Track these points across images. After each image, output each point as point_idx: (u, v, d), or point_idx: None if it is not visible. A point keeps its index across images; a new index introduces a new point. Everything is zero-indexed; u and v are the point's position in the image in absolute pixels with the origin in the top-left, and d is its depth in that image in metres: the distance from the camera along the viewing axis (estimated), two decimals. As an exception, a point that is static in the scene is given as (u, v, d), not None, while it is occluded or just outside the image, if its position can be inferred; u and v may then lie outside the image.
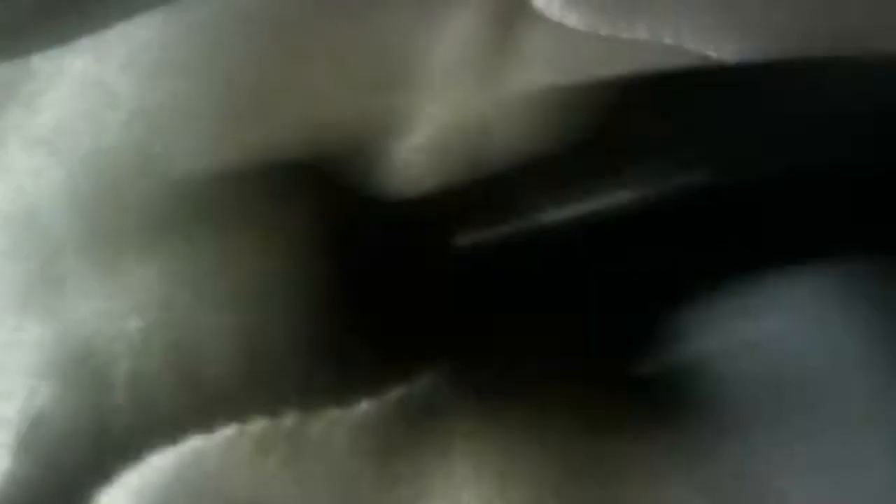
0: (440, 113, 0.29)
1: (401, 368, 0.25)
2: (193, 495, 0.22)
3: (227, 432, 0.23)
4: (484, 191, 0.27)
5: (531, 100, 0.28)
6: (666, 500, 0.22)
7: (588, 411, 0.24)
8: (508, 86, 0.29)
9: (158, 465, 0.23)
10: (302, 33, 0.31)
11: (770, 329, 0.24)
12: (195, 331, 0.25)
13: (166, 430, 0.23)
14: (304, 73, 0.30)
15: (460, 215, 0.27)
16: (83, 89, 0.30)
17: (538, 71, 0.29)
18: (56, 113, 0.30)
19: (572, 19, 0.29)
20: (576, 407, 0.24)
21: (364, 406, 0.24)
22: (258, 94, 0.30)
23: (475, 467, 0.23)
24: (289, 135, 0.29)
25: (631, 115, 0.28)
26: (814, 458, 0.22)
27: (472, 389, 0.24)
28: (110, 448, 0.23)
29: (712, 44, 0.29)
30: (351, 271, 0.27)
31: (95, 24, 0.31)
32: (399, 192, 0.27)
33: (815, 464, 0.22)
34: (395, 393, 0.25)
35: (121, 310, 0.25)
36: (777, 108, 0.28)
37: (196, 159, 0.29)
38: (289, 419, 0.24)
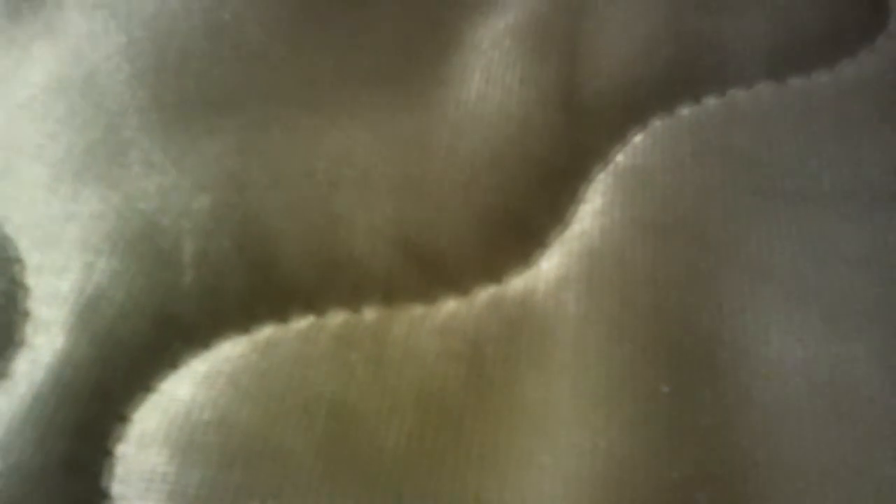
0: None
1: (488, 267, 0.22)
2: (266, 388, 0.19)
3: (303, 323, 0.21)
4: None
5: None
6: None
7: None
8: None
9: (228, 353, 0.20)
10: None
11: None
12: (268, 213, 0.22)
13: (237, 316, 0.21)
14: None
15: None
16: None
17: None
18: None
19: None
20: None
21: (451, 305, 0.21)
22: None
23: (572, 383, 0.20)
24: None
25: None
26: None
27: (572, 290, 0.21)
28: (175, 332, 0.20)
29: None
30: (436, 162, 0.24)
31: None
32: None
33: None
34: (484, 293, 0.22)
35: (188, 186, 0.22)
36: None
37: (268, 27, 0.26)
38: (370, 313, 0.21)
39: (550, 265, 0.22)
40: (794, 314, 0.21)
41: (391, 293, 0.21)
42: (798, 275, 0.22)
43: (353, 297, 0.21)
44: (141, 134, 0.23)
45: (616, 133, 0.24)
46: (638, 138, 0.24)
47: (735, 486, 0.19)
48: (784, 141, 0.24)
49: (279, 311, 0.21)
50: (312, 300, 0.21)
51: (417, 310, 0.21)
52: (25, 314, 0.20)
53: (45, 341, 0.20)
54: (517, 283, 0.22)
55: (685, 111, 0.25)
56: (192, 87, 0.24)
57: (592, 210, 0.23)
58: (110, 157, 0.23)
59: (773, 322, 0.21)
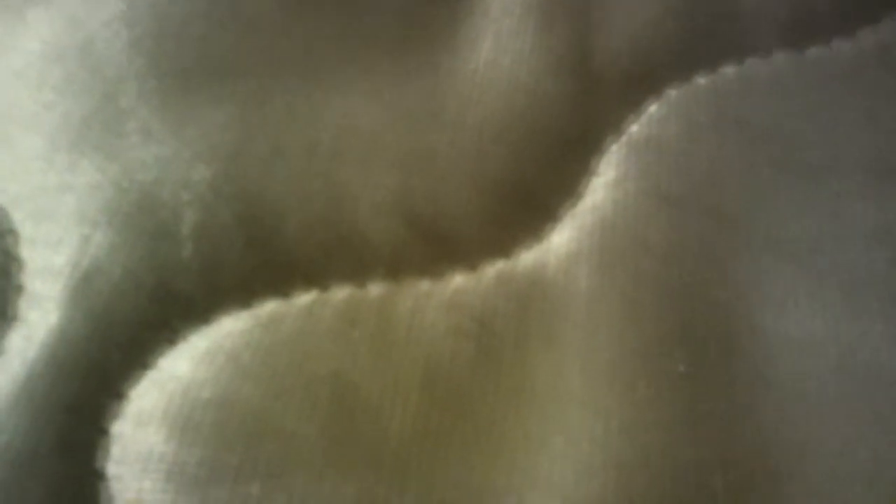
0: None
1: (497, 241, 0.21)
2: (267, 365, 0.19)
3: (306, 299, 0.20)
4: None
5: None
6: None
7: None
8: None
9: (229, 329, 0.19)
10: None
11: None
12: (269, 185, 0.21)
13: (237, 291, 0.20)
14: None
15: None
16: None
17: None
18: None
19: None
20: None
21: (458, 280, 0.20)
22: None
23: (584, 363, 0.19)
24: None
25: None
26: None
27: (584, 265, 0.20)
28: (174, 307, 0.20)
29: None
30: (442, 133, 0.23)
31: None
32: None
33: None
34: (492, 268, 0.21)
35: (187, 156, 0.22)
36: None
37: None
38: (375, 289, 0.20)
39: (561, 239, 0.21)
40: (813, 291, 0.20)
41: (396, 268, 0.20)
42: (817, 250, 0.21)
43: (357, 272, 0.20)
44: (139, 103, 0.22)
45: (630, 103, 0.23)
46: (653, 108, 0.23)
47: (752, 468, 0.18)
48: (803, 112, 0.24)
49: (281, 285, 0.20)
50: (315, 275, 0.20)
51: (423, 285, 0.20)
52: (19, 288, 0.20)
53: (39, 316, 0.19)
54: (527, 258, 0.21)
55: (702, 80, 0.24)
56: (191, 55, 0.23)
57: (605, 182, 0.22)
58: (108, 126, 0.22)
59: (791, 299, 0.20)
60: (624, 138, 0.23)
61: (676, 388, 0.19)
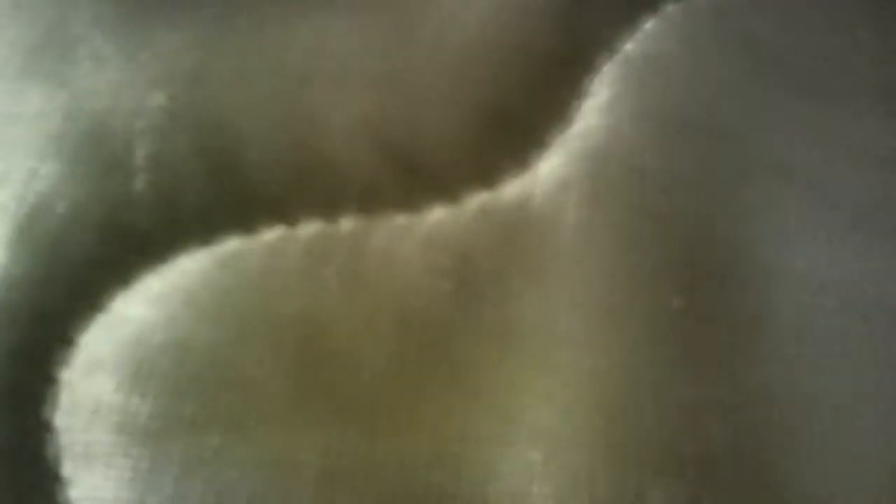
0: None
1: (479, 171, 0.19)
2: (228, 307, 0.17)
3: (271, 235, 0.18)
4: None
5: None
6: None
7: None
8: None
9: (187, 268, 0.18)
10: None
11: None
12: (231, 110, 0.20)
13: (196, 227, 0.18)
14: None
15: None
16: None
17: None
18: None
19: None
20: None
21: (437, 213, 0.19)
22: None
23: (572, 298, 0.17)
24: None
25: None
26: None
27: (573, 195, 0.19)
28: (127, 244, 0.18)
29: None
30: (420, 53, 0.21)
31: None
32: None
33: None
34: (474, 200, 0.19)
35: (142, 81, 0.20)
36: None
37: None
38: (346, 224, 0.18)
39: (550, 168, 0.19)
40: (822, 222, 0.19)
41: (370, 201, 0.19)
42: (828, 178, 0.19)
43: (327, 206, 0.19)
44: (92, 27, 0.21)
45: (625, 19, 0.21)
46: (649, 25, 0.21)
47: (753, 413, 0.16)
48: (813, 30, 0.22)
49: (244, 221, 0.18)
50: (282, 209, 0.19)
51: (399, 219, 0.19)
52: (-40, 227, 0.18)
53: (-19, 257, 0.18)
54: (512, 189, 0.19)
55: (703, -6, 0.22)
56: (149, -27, 0.21)
57: (597, 105, 0.20)
58: (58, 53, 0.20)
59: (799, 230, 0.18)
60: (618, 57, 0.21)
61: (672, 325, 0.17)
